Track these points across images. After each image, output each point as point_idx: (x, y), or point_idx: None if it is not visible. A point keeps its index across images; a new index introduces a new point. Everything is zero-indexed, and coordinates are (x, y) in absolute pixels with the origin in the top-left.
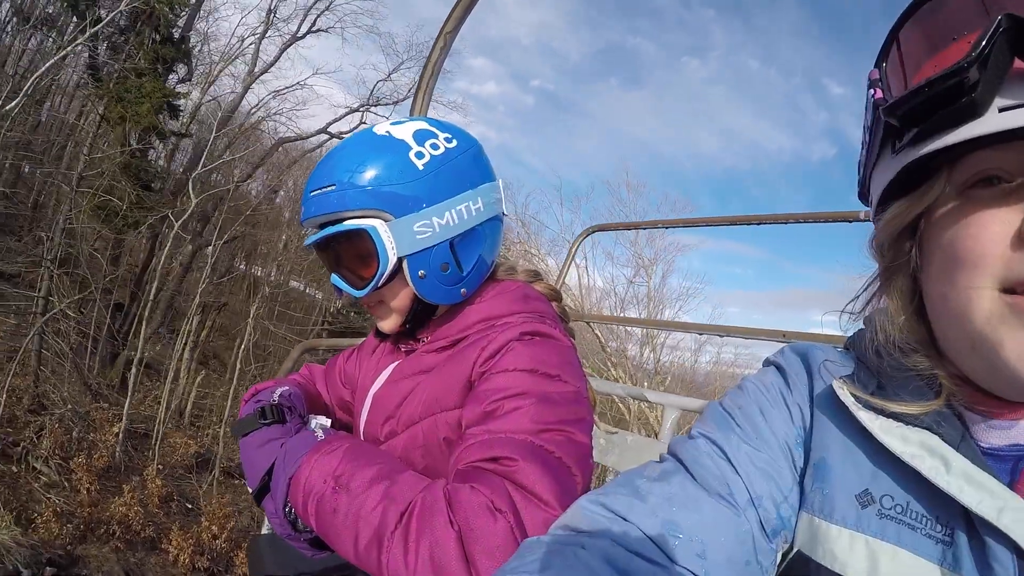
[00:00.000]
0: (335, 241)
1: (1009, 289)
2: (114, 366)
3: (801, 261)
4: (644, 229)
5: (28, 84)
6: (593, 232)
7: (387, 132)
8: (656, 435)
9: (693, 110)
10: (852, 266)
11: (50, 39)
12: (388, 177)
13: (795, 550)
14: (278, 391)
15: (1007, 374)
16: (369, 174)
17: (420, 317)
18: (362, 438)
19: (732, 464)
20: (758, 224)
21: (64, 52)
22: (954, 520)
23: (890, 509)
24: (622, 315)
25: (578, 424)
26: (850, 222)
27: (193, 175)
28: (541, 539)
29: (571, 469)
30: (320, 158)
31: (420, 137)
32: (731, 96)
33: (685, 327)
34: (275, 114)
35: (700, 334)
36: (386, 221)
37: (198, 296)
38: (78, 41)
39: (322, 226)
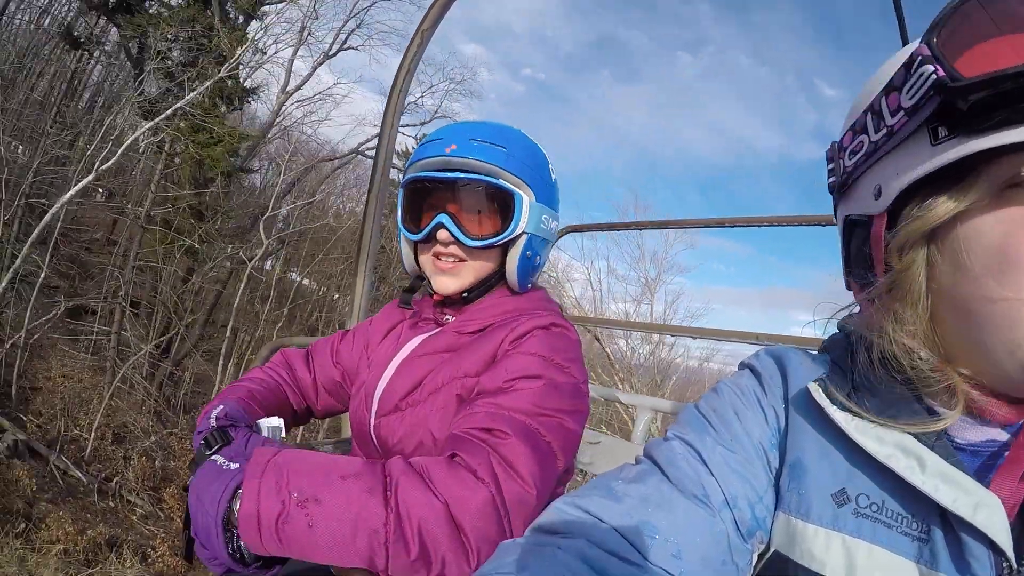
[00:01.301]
0: (477, 189)
1: None
2: (155, 380)
3: (785, 259)
4: (619, 231)
5: (126, 143)
6: (568, 232)
7: (535, 142)
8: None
9: (683, 105)
10: (832, 267)
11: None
12: (540, 169)
13: (772, 550)
14: (214, 414)
15: None
16: (531, 158)
17: (478, 292)
18: (376, 405)
19: (707, 466)
20: (731, 227)
21: (157, 121)
22: (930, 517)
23: (866, 508)
24: (596, 316)
25: (573, 414)
26: (823, 226)
27: (264, 217)
28: (517, 541)
29: (556, 454)
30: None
31: (550, 160)
32: (722, 93)
33: (660, 329)
34: (297, 123)
35: (672, 336)
36: (530, 198)
37: (262, 328)
38: (175, 105)
39: (458, 170)
